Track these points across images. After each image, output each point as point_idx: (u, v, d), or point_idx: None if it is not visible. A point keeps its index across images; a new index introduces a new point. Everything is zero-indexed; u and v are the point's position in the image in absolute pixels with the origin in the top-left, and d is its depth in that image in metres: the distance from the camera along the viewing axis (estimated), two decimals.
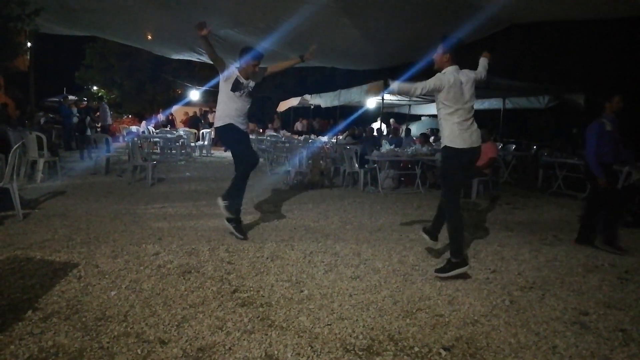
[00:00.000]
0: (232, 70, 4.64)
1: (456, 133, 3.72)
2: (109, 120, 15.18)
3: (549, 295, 3.55)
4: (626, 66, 13.92)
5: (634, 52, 13.82)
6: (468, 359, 2.53)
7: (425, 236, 4.28)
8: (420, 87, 3.70)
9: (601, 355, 2.64)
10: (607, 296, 3.59)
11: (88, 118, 13.57)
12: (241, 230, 4.78)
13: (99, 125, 14.49)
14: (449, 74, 3.73)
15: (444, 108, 3.75)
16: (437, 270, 3.83)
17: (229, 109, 4.64)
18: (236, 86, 4.60)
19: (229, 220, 4.72)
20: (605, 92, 4.93)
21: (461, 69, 3.85)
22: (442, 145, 3.85)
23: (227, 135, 4.75)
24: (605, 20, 10.69)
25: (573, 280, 3.91)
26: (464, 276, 3.79)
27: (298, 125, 20.69)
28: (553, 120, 16.84)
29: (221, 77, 4.61)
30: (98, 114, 14.91)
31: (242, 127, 4.73)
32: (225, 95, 4.65)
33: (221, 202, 4.65)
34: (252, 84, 4.75)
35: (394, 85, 3.57)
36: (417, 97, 12.75)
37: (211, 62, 4.99)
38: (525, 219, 6.44)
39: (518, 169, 11.49)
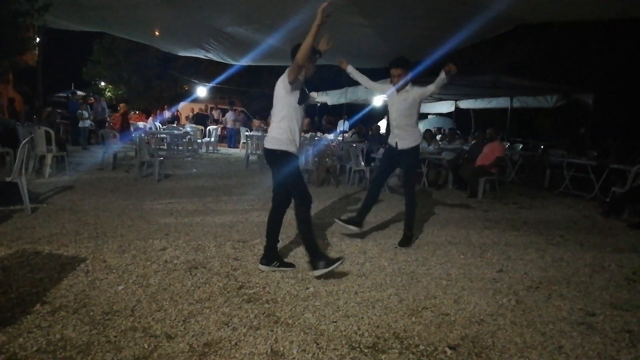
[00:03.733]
0: (299, 79, 3.62)
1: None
2: (105, 115, 15.58)
3: (556, 295, 3.54)
4: (636, 66, 13.80)
5: None
6: (474, 358, 2.53)
7: (352, 227, 4.74)
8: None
9: (607, 357, 2.63)
10: (614, 297, 3.57)
11: (79, 111, 13.74)
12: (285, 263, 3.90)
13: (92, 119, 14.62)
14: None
15: (417, 115, 4.67)
16: (401, 244, 4.62)
17: (294, 126, 3.58)
18: (303, 97, 3.66)
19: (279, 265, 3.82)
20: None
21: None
22: (414, 145, 4.60)
23: (280, 163, 3.62)
24: (614, 21, 10.60)
25: (579, 281, 3.90)
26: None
27: (342, 125, 19.15)
28: (561, 119, 16.74)
29: (287, 85, 3.57)
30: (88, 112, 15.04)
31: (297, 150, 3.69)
32: (291, 108, 3.60)
33: (266, 267, 3.75)
34: None
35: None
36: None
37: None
38: (532, 219, 6.42)
39: (525, 169, 11.44)
